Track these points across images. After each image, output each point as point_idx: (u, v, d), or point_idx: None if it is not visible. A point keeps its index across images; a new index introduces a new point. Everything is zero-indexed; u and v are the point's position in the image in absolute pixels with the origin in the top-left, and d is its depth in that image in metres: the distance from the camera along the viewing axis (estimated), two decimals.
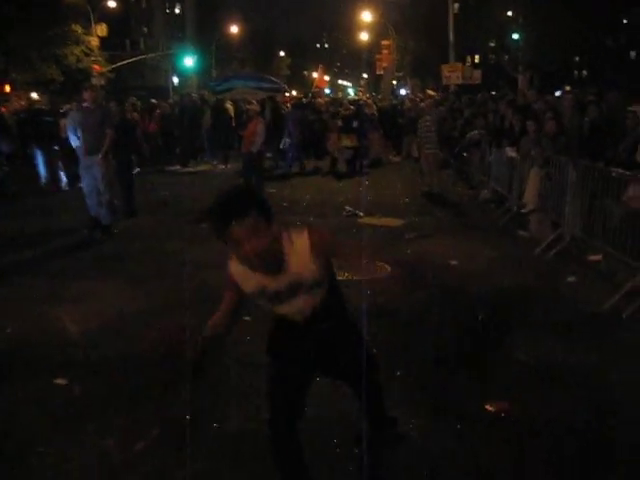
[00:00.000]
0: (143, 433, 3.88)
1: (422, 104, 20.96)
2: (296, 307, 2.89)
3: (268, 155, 16.71)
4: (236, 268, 2.82)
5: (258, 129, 12.09)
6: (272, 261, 2.73)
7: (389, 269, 7.25)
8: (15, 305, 6.31)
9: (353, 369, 3.15)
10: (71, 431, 3.94)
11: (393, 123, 19.87)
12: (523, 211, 9.25)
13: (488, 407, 4.12)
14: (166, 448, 3.74)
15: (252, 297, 2.89)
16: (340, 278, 6.81)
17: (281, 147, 17.32)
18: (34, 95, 31.49)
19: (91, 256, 8.22)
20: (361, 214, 10.53)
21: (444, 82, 26.96)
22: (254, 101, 15.51)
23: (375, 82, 54.69)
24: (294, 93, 37.59)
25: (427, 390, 4.41)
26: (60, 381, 4.61)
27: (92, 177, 9.16)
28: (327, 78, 32.65)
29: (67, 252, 8.42)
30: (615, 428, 3.90)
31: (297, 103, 21.32)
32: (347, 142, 16.22)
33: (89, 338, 5.44)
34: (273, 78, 27.14)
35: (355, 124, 16.58)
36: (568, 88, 20.65)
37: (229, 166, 17.52)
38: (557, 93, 16.96)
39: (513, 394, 4.29)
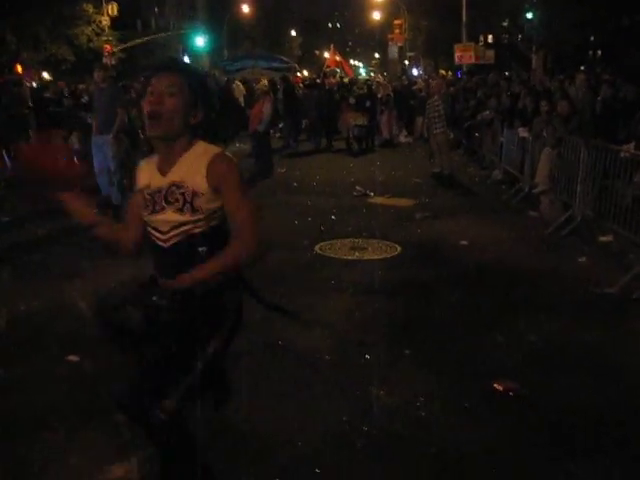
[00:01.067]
0: None
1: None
2: (160, 220, 2.58)
3: (277, 135, 16.77)
4: (142, 167, 2.75)
5: (264, 108, 12.09)
6: (169, 155, 2.60)
7: (399, 249, 7.31)
8: (29, 282, 6.36)
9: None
10: (83, 407, 3.99)
11: (405, 104, 19.75)
12: (534, 192, 9.21)
13: (496, 386, 4.14)
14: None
15: (138, 195, 2.68)
16: (350, 257, 6.99)
17: (302, 127, 17.80)
18: (45, 75, 31.54)
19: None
20: (372, 194, 10.52)
21: (457, 62, 26.74)
22: (264, 80, 15.48)
23: (387, 62, 54.26)
24: (305, 73, 37.41)
25: (435, 368, 4.43)
26: (72, 357, 4.66)
27: (103, 156, 9.19)
28: (338, 58, 32.38)
29: (80, 230, 8.43)
30: (624, 408, 3.91)
31: (312, 83, 21.26)
32: (359, 120, 16.30)
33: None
34: (284, 58, 27.07)
35: (368, 104, 16.71)
36: (582, 68, 20.43)
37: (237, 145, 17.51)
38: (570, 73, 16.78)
39: (521, 374, 4.31)
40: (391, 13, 48.79)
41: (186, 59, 50.11)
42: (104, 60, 32.43)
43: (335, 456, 3.46)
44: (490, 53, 28.17)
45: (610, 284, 6.00)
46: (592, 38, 29.88)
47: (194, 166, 2.54)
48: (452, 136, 17.26)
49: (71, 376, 4.42)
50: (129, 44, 36.03)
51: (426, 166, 13.54)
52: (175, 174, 2.57)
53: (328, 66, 30.36)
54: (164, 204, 2.56)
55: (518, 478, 3.26)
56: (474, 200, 10.17)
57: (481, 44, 32.66)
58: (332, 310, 5.43)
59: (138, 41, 36.39)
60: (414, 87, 21.29)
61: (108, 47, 33.25)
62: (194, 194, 2.51)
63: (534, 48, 28.85)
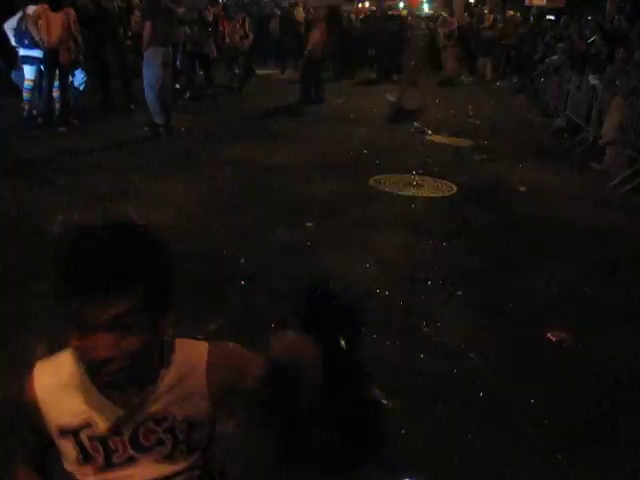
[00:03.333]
0: (203, 325, 3.94)
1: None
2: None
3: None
4: (44, 377, 1.42)
5: (312, 36, 12.03)
6: (129, 379, 1.37)
7: (455, 189, 7.14)
8: (81, 198, 6.38)
9: None
10: None
11: (469, 43, 19.14)
12: (600, 142, 8.87)
13: (549, 336, 4.04)
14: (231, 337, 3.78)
15: (61, 439, 1.42)
16: (405, 193, 6.86)
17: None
18: None
19: (155, 153, 8.24)
20: (430, 131, 10.27)
21: (526, 2, 25.65)
22: (311, 9, 15.26)
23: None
24: (367, 4, 36.38)
25: (487, 311, 4.35)
26: None
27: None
28: None
29: (132, 148, 8.46)
30: None
31: (383, 15, 20.86)
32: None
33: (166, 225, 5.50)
34: None
35: (422, 44, 16.42)
36: None
37: (286, 73, 17.28)
38: None
39: (574, 326, 4.19)
40: None
41: None
42: None
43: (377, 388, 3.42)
44: None
45: None
46: None
47: (183, 381, 1.44)
48: (516, 80, 16.78)
49: None
50: None
51: (486, 107, 13.17)
52: (151, 401, 1.41)
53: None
54: (133, 452, 1.41)
55: (557, 433, 3.19)
56: (534, 147, 9.85)
57: None
58: (385, 245, 5.34)
59: None
60: (481, 26, 20.56)
61: None
62: (190, 426, 1.45)
63: None
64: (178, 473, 1.45)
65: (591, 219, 6.46)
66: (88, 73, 10.16)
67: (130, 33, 13.46)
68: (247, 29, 14.23)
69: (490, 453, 2.98)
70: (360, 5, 30.78)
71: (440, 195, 6.94)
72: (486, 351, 3.85)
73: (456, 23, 19.46)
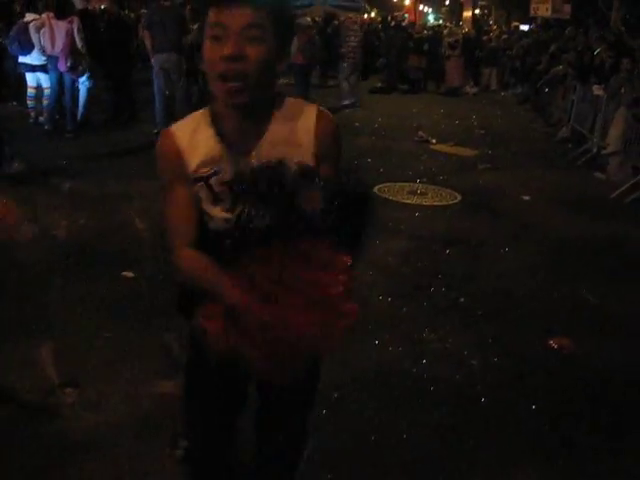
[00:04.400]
0: None
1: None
2: (255, 222, 1.70)
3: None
4: (182, 133, 1.75)
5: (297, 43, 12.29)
6: (248, 124, 1.70)
7: (459, 197, 7.16)
8: (91, 199, 6.43)
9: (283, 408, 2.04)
10: (136, 323, 4.04)
11: (473, 53, 19.21)
12: (604, 152, 8.87)
13: (552, 343, 4.05)
14: None
15: (193, 180, 1.74)
16: (408, 201, 6.87)
17: (377, 66, 18.31)
18: None
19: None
20: (434, 141, 10.30)
21: (531, 13, 25.73)
22: (308, 18, 15.37)
23: (457, 10, 52.65)
24: (372, 15, 36.57)
25: (489, 319, 4.36)
26: (127, 274, 4.72)
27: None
28: (408, 3, 31.57)
29: (139, 153, 8.50)
30: None
31: (396, 24, 21.07)
32: (414, 62, 16.99)
33: (158, 235, 5.54)
34: None
35: (426, 46, 16.85)
36: None
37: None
38: None
39: (576, 334, 4.20)
40: None
41: None
42: None
43: (380, 394, 3.44)
44: (567, 7, 26.93)
45: None
46: None
47: (293, 134, 1.73)
48: (520, 90, 16.83)
49: (125, 291, 4.48)
50: None
51: (490, 117, 13.20)
52: (266, 150, 1.70)
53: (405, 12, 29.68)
54: (255, 196, 1.69)
55: (559, 438, 3.19)
56: (538, 156, 9.86)
57: None
58: (388, 252, 5.35)
59: None
60: (484, 37, 20.65)
61: None
62: (303, 169, 1.71)
63: (614, 5, 27.60)
64: (296, 218, 1.67)
65: (594, 228, 6.46)
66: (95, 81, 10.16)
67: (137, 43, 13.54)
68: None
69: (492, 459, 2.98)
70: (366, 16, 30.91)
71: (444, 203, 6.95)
72: (488, 357, 3.86)
73: (461, 33, 19.54)
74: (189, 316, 1.70)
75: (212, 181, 1.73)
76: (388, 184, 7.43)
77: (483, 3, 48.23)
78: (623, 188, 7.76)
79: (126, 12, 11.98)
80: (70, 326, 3.95)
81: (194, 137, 1.73)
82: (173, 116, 9.11)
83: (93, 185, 6.84)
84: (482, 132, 11.58)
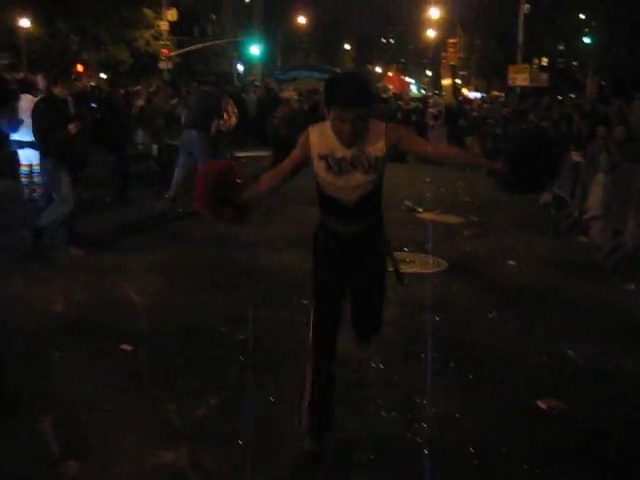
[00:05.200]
0: (204, 400, 4.05)
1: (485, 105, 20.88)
2: (350, 181, 3.27)
3: None
4: (315, 131, 3.33)
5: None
6: (356, 136, 3.21)
7: (446, 264, 7.34)
8: (87, 273, 6.56)
9: (365, 284, 3.52)
10: (135, 395, 4.13)
11: (456, 122, 19.81)
12: (585, 217, 9.15)
13: (540, 404, 4.16)
14: (226, 415, 3.89)
15: (317, 160, 3.30)
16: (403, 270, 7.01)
17: None
18: (103, 76, 32.27)
19: (156, 232, 8.48)
20: (420, 210, 10.56)
21: (510, 83, 26.63)
22: (292, 92, 16.05)
23: (438, 80, 54.20)
24: None
25: (479, 383, 4.47)
26: (125, 347, 4.82)
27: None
28: (391, 74, 32.65)
29: (134, 229, 8.69)
30: None
31: (381, 98, 21.83)
32: None
33: (153, 309, 5.66)
34: (338, 70, 27.24)
35: (414, 117, 17.16)
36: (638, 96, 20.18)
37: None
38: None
39: (564, 395, 4.32)
40: (445, 31, 48.79)
41: (240, 67, 50.92)
42: (160, 64, 33.10)
43: (375, 458, 3.52)
44: (544, 76, 27.98)
45: None
46: None
47: (372, 140, 3.25)
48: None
49: (124, 364, 4.57)
50: (186, 49, 36.68)
51: (475, 185, 13.51)
52: (356, 148, 3.24)
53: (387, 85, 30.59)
54: (351, 167, 3.25)
55: None
56: (522, 222, 10.13)
57: (535, 67, 32.46)
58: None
59: (195, 47, 36.99)
60: (467, 106, 21.30)
61: (166, 51, 33.88)
62: (376, 158, 3.26)
63: (589, 73, 28.60)
64: (370, 180, 3.29)
65: (579, 291, 6.63)
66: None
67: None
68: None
69: None
70: None
71: (431, 271, 7.13)
72: (478, 420, 3.96)
73: (443, 104, 20.17)
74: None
75: (329, 159, 3.27)
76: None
77: (463, 73, 49.69)
78: (605, 251, 7.98)
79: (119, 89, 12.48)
80: (71, 399, 4.03)
81: (317, 134, 3.32)
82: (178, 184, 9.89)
83: (89, 259, 7.00)
84: (467, 199, 11.88)
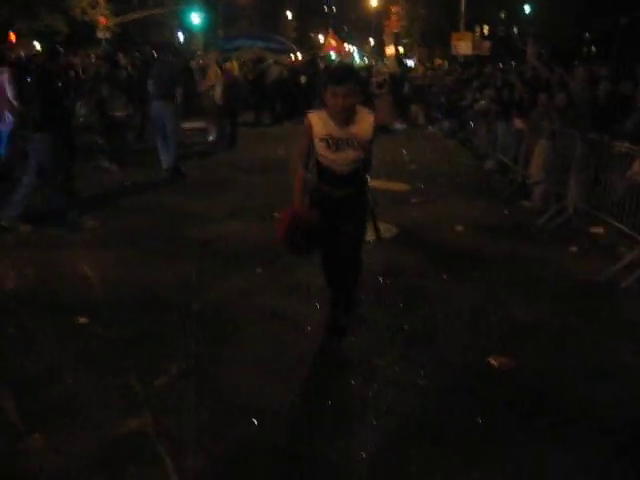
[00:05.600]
0: (164, 369, 4.09)
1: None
2: (344, 157, 4.13)
3: None
4: (315, 118, 4.18)
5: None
6: (346, 117, 4.05)
7: (396, 231, 7.47)
8: (35, 250, 6.47)
9: (346, 238, 4.33)
10: (95, 366, 4.14)
11: (400, 91, 19.89)
12: (528, 182, 9.40)
13: (491, 361, 4.33)
14: (188, 383, 3.95)
15: (319, 140, 4.15)
16: None
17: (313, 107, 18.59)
18: (37, 45, 31.19)
19: (103, 205, 8.38)
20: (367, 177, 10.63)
21: (453, 51, 26.82)
22: (234, 61, 16.10)
23: (381, 48, 54.17)
24: (299, 56, 37.34)
25: (432, 343, 4.63)
26: (82, 320, 4.80)
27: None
28: (334, 42, 32.41)
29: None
30: (599, 389, 4.13)
31: (327, 67, 21.81)
32: None
33: (107, 282, 5.64)
34: (282, 39, 27.00)
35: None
36: (576, 63, 20.63)
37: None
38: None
39: (513, 351, 4.51)
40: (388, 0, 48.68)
41: (181, 36, 49.87)
42: (98, 34, 32.18)
43: (334, 418, 3.64)
44: (486, 44, 28.27)
45: (599, 273, 6.21)
46: (587, 35, 30.10)
47: (363, 126, 4.11)
48: (447, 125, 17.50)
49: (81, 337, 4.57)
50: (124, 18, 35.73)
51: (420, 152, 13.70)
52: (350, 130, 4.09)
53: (325, 50, 30.40)
54: (345, 146, 4.10)
55: (505, 448, 3.45)
56: (468, 188, 10.35)
57: (477, 35, 32.76)
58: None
59: (134, 16, 36.05)
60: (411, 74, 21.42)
61: (103, 20, 32.91)
62: (365, 140, 4.13)
63: (530, 41, 28.99)
64: (360, 156, 4.14)
65: (523, 254, 6.87)
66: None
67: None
68: None
69: (434, 465, 3.21)
70: (293, 57, 31.50)
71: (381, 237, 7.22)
72: (432, 377, 4.11)
73: (387, 72, 20.23)
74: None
75: (328, 139, 4.10)
76: None
77: (406, 41, 49.72)
78: (548, 215, 8.23)
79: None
80: (30, 374, 4.02)
81: (317, 120, 4.16)
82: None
83: (38, 235, 6.90)
84: (413, 167, 12.04)
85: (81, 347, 4.40)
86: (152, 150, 10.92)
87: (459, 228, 7.77)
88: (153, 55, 15.49)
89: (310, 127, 4.17)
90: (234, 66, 20.34)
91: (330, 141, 4.11)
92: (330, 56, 32.87)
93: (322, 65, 22.21)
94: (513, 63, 19.94)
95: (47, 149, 6.92)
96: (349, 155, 4.12)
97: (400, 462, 3.28)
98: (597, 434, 3.57)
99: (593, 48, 30.45)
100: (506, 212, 8.78)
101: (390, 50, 45.86)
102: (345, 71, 4.31)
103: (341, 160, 4.14)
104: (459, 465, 3.26)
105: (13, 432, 3.39)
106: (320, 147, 4.15)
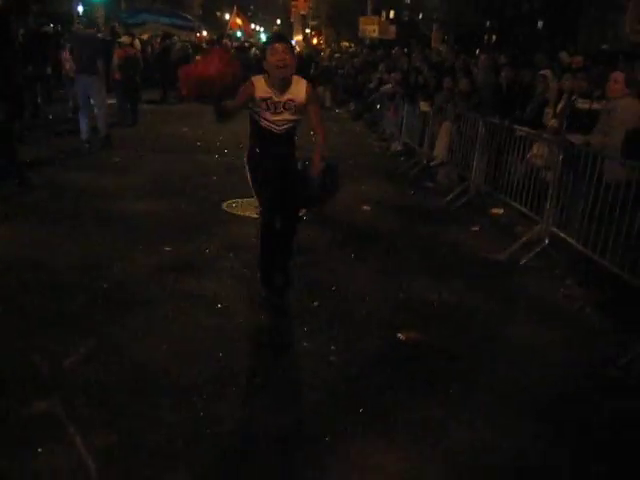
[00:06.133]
0: (72, 350, 3.99)
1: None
2: (281, 118, 4.56)
3: None
4: (257, 81, 4.52)
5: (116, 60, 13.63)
6: (283, 83, 4.50)
7: (303, 210, 7.50)
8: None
9: (286, 195, 4.71)
10: None
11: (307, 72, 19.95)
12: (432, 164, 9.66)
13: (400, 336, 4.46)
14: (96, 362, 3.87)
15: (260, 101, 4.49)
16: (255, 216, 7.13)
17: None
18: None
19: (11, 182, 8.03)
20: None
21: (360, 35, 27.09)
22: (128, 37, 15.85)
23: (288, 29, 54.01)
24: (204, 34, 36.72)
25: (342, 320, 4.71)
26: None
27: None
28: (239, 21, 32.05)
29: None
30: (501, 358, 4.35)
31: (240, 46, 21.70)
32: None
33: (9, 263, 5.43)
34: (188, 16, 26.48)
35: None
36: (477, 51, 21.28)
37: None
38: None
39: (420, 326, 4.66)
40: None
41: (80, 8, 47.91)
42: None
43: (242, 398, 3.67)
44: (392, 28, 28.66)
45: (499, 252, 6.48)
46: (488, 23, 31.02)
47: (299, 91, 4.57)
48: (353, 107, 17.69)
49: None
50: None
51: (328, 133, 13.76)
52: (287, 95, 4.53)
53: (231, 28, 30.03)
54: (282, 109, 4.54)
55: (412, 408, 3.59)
56: (375, 169, 10.53)
57: (383, 19, 33.15)
58: (242, 264, 5.60)
59: None
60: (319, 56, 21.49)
61: None
62: (299, 104, 4.56)
63: (434, 27, 29.63)
64: (294, 119, 4.62)
65: (428, 233, 7.09)
66: None
67: None
68: None
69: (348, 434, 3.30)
70: (198, 34, 30.98)
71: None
72: (344, 353, 4.20)
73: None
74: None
75: (268, 102, 4.49)
76: (236, 200, 7.67)
77: (314, 23, 49.75)
78: (451, 196, 8.50)
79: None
80: None
81: (259, 84, 4.49)
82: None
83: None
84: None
85: None
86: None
87: (366, 208, 7.91)
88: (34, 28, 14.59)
89: (252, 86, 4.51)
90: (131, 41, 19.89)
91: (270, 103, 4.51)
92: (236, 34, 32.53)
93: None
94: (417, 49, 20.34)
95: None
96: (285, 117, 4.57)
97: (320, 432, 3.34)
98: (498, 399, 3.77)
99: (494, 37, 31.41)
100: (412, 193, 8.99)
101: (298, 37, 45.88)
102: (281, 34, 5.44)
103: (279, 121, 4.58)
104: (376, 429, 3.37)
105: None
106: (261, 107, 4.53)
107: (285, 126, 4.61)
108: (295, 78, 4.59)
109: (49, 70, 13.53)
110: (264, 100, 4.51)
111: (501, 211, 7.87)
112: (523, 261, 6.25)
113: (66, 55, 12.89)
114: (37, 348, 3.97)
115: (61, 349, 3.99)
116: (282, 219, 4.82)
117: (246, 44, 23.40)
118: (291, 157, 4.83)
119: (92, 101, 10.57)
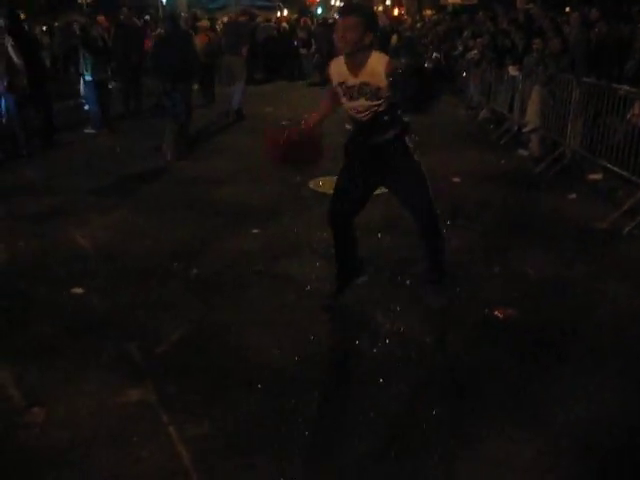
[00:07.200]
0: (164, 337, 4.01)
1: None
2: (358, 104, 3.85)
3: None
4: (334, 64, 3.96)
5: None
6: (356, 62, 3.79)
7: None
8: (26, 222, 6.34)
9: (406, 187, 4.16)
10: (92, 337, 4.05)
11: (388, 43, 19.61)
12: (524, 130, 9.25)
13: (497, 313, 4.27)
14: (189, 349, 3.87)
15: (337, 86, 3.95)
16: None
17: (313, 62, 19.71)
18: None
19: (91, 171, 8.22)
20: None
21: (441, 1, 26.35)
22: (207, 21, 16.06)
23: (368, 2, 53.27)
24: (285, 13, 36.68)
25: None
26: (77, 290, 4.71)
27: None
28: None
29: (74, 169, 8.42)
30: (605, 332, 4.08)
31: (323, 22, 21.79)
32: None
33: (102, 251, 5.53)
34: None
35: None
36: (568, 9, 20.27)
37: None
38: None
39: (517, 303, 4.44)
40: None
41: None
42: None
43: (336, 383, 3.58)
44: None
45: (600, 220, 6.12)
46: None
47: (375, 72, 3.73)
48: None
49: (77, 308, 4.48)
50: None
51: None
52: (361, 78, 3.80)
53: (310, 4, 29.89)
54: (357, 95, 3.83)
55: (514, 387, 3.41)
56: (463, 139, 10.20)
57: None
58: (331, 244, 5.49)
59: None
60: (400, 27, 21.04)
61: None
62: (378, 88, 3.74)
63: None
64: (374, 104, 3.80)
65: (523, 203, 6.79)
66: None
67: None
68: None
69: (454, 423, 3.16)
70: (279, 14, 30.97)
71: (379, 192, 7.11)
72: (437, 329, 4.07)
73: None
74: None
75: (343, 86, 3.89)
76: (323, 178, 7.57)
77: None
78: (546, 163, 8.12)
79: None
80: (27, 347, 3.93)
81: (336, 65, 3.94)
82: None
83: (28, 207, 6.77)
84: (406, 119, 11.80)
85: (77, 318, 4.30)
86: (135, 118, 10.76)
87: (456, 180, 7.65)
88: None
89: (329, 73, 4.00)
90: (208, 25, 20.06)
91: (345, 88, 3.88)
92: (317, 11, 32.33)
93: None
94: (503, 12, 19.58)
95: None
96: (362, 104, 3.83)
97: (425, 419, 3.22)
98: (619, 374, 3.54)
99: None
100: (503, 162, 8.65)
101: (378, 8, 45.12)
102: (349, 4, 4.34)
103: (358, 108, 3.88)
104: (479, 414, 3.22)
105: (13, 407, 3.31)
106: (340, 94, 3.96)
107: (368, 114, 3.86)
108: (374, 56, 3.76)
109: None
110: (340, 84, 3.90)
111: (600, 176, 7.44)
112: (627, 229, 5.88)
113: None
114: (131, 335, 4.01)
115: (152, 336, 4.01)
116: (416, 217, 4.30)
117: (329, 20, 23.09)
118: (393, 149, 3.99)
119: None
